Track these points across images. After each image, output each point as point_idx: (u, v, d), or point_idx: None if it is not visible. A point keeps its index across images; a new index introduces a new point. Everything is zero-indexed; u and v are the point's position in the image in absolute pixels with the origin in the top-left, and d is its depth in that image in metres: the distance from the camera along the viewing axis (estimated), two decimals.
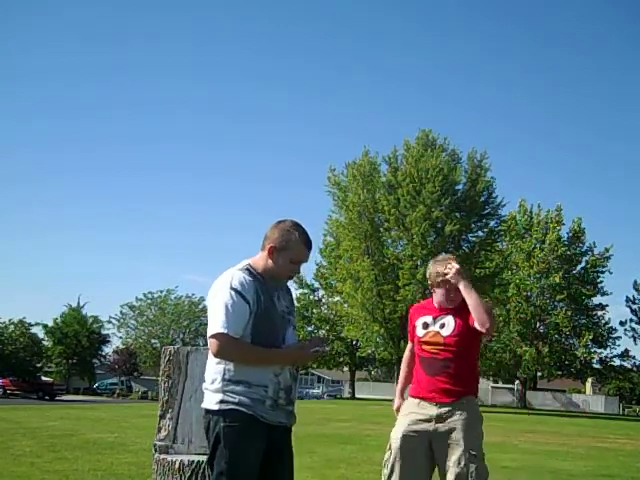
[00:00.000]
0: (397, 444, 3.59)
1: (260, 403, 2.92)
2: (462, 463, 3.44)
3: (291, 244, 3.03)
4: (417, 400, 3.66)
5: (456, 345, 3.63)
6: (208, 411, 2.96)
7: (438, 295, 3.76)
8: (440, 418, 3.55)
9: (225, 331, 2.86)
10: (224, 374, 2.93)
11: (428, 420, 3.58)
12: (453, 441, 3.51)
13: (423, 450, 3.57)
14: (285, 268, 3.06)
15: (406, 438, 3.59)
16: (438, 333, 3.69)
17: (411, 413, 3.65)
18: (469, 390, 3.67)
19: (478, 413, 3.66)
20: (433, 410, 3.58)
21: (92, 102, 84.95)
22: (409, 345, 3.98)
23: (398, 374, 4.39)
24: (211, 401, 2.95)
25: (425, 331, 3.75)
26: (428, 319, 3.78)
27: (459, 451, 3.47)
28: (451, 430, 3.52)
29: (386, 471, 3.63)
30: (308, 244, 3.08)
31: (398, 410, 3.80)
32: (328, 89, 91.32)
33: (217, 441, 2.91)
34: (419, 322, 3.81)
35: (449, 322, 3.71)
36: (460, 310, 3.69)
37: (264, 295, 2.98)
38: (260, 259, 3.07)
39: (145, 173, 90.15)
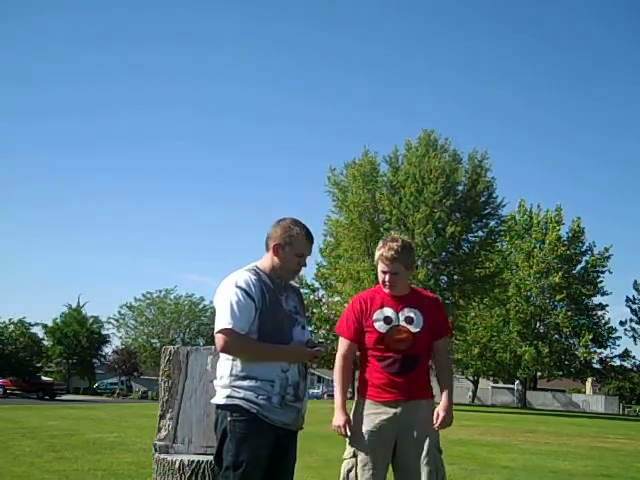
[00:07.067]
0: (363, 450, 3.31)
1: (266, 400, 2.95)
2: (431, 459, 3.30)
3: (294, 239, 3.16)
4: (374, 401, 3.37)
5: (424, 343, 3.38)
6: (217, 406, 3.04)
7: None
8: (404, 415, 3.33)
9: (230, 327, 2.94)
10: (231, 369, 3.01)
11: (391, 419, 3.33)
12: (419, 438, 3.32)
13: (387, 452, 3.34)
14: (292, 262, 3.18)
15: (371, 442, 3.31)
16: (406, 329, 3.36)
17: (371, 414, 3.36)
18: (429, 389, 3.48)
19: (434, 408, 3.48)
20: (396, 408, 3.34)
21: (93, 102, 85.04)
22: (346, 344, 3.45)
23: None
24: (219, 396, 3.03)
25: (389, 326, 3.36)
26: (389, 312, 3.40)
27: (427, 447, 3.31)
28: (416, 426, 3.33)
29: None
30: (310, 237, 3.22)
31: (345, 427, 3.32)
32: (328, 89, 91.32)
33: (224, 435, 2.98)
34: (377, 316, 3.40)
35: (417, 317, 3.39)
36: (423, 304, 3.44)
37: (269, 293, 3.07)
38: (266, 259, 3.20)
39: (145, 173, 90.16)
